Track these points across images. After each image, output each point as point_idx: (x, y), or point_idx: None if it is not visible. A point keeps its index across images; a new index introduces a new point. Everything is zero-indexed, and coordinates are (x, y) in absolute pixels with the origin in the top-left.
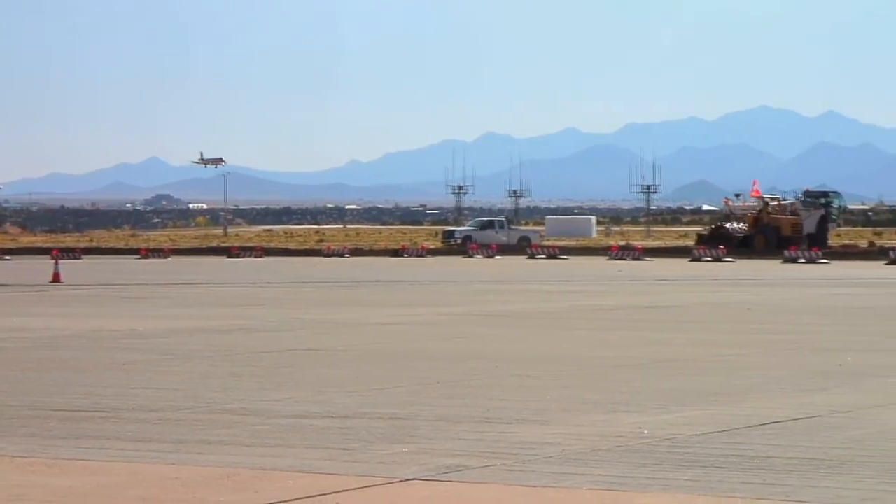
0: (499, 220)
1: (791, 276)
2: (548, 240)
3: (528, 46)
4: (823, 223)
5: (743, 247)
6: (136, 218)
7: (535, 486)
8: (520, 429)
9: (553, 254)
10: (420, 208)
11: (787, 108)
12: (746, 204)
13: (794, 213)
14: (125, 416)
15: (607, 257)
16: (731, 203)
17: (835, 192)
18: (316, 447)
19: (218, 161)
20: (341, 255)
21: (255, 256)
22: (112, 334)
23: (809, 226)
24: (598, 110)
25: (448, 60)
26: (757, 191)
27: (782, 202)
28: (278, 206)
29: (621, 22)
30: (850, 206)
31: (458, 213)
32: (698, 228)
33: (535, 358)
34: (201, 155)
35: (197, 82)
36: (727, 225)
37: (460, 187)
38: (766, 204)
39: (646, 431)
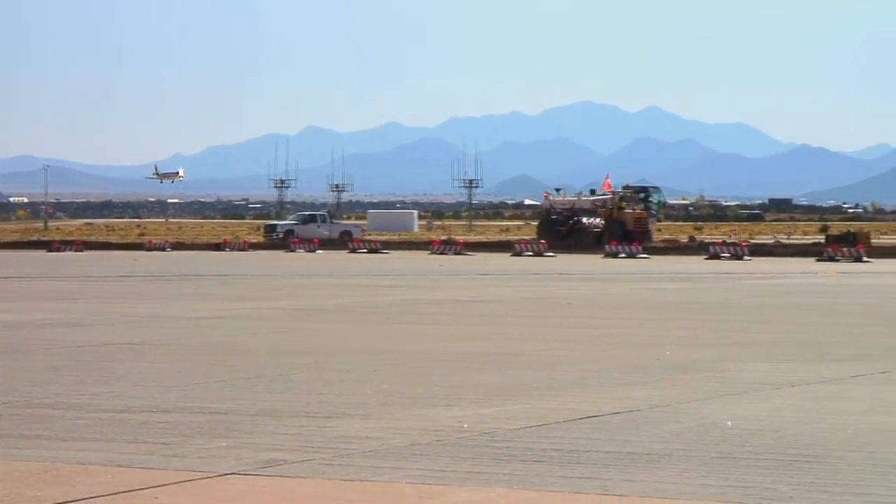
0: (321, 215)
1: (612, 270)
2: (370, 234)
3: (348, 40)
4: None
5: (598, 242)
6: None
7: (354, 480)
8: (339, 423)
9: (375, 248)
10: (242, 202)
11: (608, 104)
12: (567, 199)
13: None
14: None
15: (429, 252)
16: (551, 197)
17: (654, 187)
18: (135, 441)
19: (174, 175)
20: (163, 249)
21: (76, 250)
22: None
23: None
24: (420, 104)
25: (268, 53)
26: (608, 185)
27: (626, 196)
28: (99, 200)
29: (443, 16)
30: (672, 201)
31: (281, 208)
32: (520, 223)
33: (356, 352)
34: (156, 169)
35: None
36: (584, 220)
37: (283, 181)
38: (622, 199)
39: (465, 426)
